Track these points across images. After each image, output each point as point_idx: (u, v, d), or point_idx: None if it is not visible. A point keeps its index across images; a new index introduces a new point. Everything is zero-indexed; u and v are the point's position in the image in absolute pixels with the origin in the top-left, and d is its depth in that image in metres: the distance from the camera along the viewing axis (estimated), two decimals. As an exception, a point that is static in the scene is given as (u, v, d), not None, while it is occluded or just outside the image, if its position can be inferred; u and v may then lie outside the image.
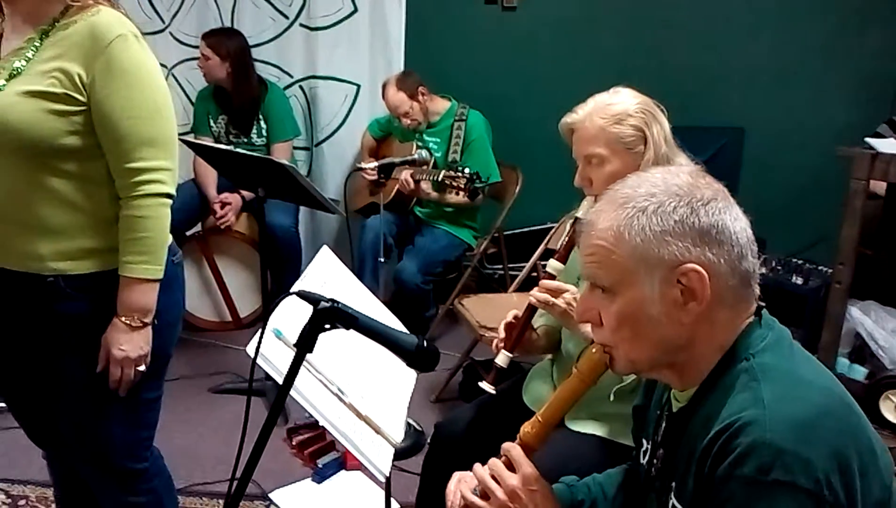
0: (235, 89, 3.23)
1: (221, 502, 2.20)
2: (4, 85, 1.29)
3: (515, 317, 1.63)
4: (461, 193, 2.70)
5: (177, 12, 3.54)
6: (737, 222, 0.93)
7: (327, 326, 1.02)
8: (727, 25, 3.66)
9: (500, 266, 3.61)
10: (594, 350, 1.09)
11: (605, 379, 1.53)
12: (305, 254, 3.43)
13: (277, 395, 1.04)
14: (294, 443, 2.42)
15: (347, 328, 1.02)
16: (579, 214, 1.65)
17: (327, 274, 1.46)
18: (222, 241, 3.34)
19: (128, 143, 1.33)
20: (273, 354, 1.15)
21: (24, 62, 1.30)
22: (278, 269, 3.19)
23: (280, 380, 1.06)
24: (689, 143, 3.07)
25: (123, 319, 1.37)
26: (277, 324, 1.20)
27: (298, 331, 1.02)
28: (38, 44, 1.31)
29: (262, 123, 3.33)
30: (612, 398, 1.52)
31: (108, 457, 1.49)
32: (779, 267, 2.84)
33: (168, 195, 1.39)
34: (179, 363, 2.92)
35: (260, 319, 3.40)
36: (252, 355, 1.11)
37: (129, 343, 1.37)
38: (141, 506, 1.56)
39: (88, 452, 1.49)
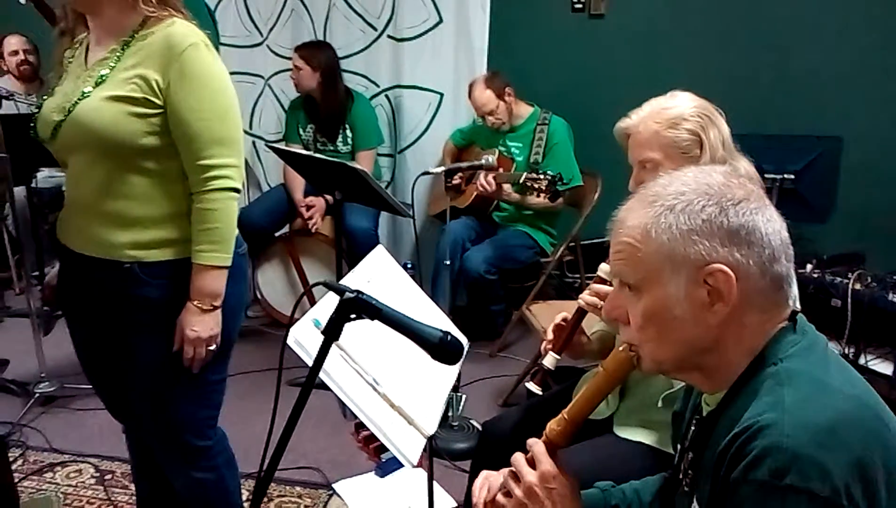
0: (324, 99, 3.38)
1: (289, 488, 2.31)
2: (91, 91, 1.43)
3: (564, 320, 1.63)
4: (542, 194, 2.70)
5: (273, 26, 3.74)
6: (770, 224, 0.91)
7: (353, 316, 1.07)
8: (820, 28, 3.47)
9: (580, 275, 3.59)
10: (621, 349, 1.08)
11: (655, 387, 1.53)
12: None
13: (306, 380, 1.09)
14: (360, 437, 2.50)
15: (372, 319, 1.07)
16: None
17: (375, 271, 1.52)
18: (307, 242, 3.49)
19: (199, 142, 1.44)
20: (311, 343, 1.21)
21: (107, 70, 1.44)
22: (341, 266, 3.29)
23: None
24: (781, 152, 2.97)
25: (196, 302, 1.49)
26: (318, 315, 1.26)
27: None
28: (119, 53, 1.45)
29: (347, 131, 3.47)
30: (660, 404, 1.49)
31: (175, 432, 1.61)
32: (874, 283, 2.67)
33: (235, 190, 1.50)
34: (262, 356, 3.08)
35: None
36: (292, 346, 1.18)
37: (201, 325, 1.50)
38: (204, 481, 1.68)
39: (159, 427, 1.62)
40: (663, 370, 1.00)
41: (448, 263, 2.71)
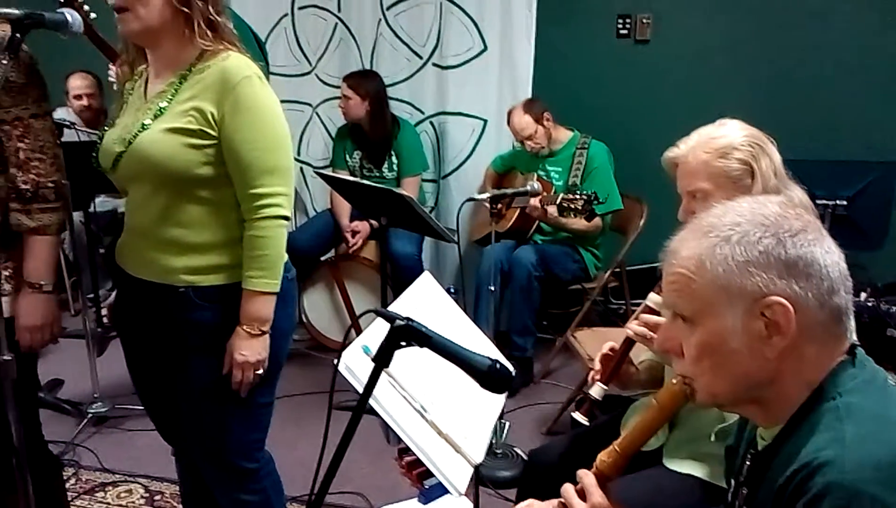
0: (372, 127, 3.43)
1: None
2: (150, 123, 1.48)
3: (612, 349, 1.61)
4: (579, 215, 2.69)
5: (322, 55, 3.83)
6: (828, 256, 0.90)
7: (403, 343, 1.07)
8: (871, 53, 3.41)
9: (625, 301, 3.55)
10: (674, 381, 1.07)
11: (707, 420, 1.50)
12: (429, 282, 3.55)
13: (356, 406, 1.10)
14: (403, 463, 2.49)
15: (421, 346, 1.07)
16: None
17: (423, 297, 1.53)
18: (352, 266, 3.53)
19: (251, 171, 1.48)
20: (360, 369, 1.22)
21: (165, 103, 1.49)
22: (400, 294, 3.32)
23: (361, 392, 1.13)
24: (833, 177, 2.90)
25: (245, 327, 1.52)
26: (368, 341, 1.28)
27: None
28: (177, 86, 1.49)
29: (393, 158, 3.52)
30: (713, 437, 1.46)
31: (224, 454, 1.64)
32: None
33: (285, 217, 1.53)
34: (308, 380, 3.12)
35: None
36: (343, 372, 1.19)
37: (250, 349, 1.52)
38: (251, 504, 1.70)
39: (207, 449, 1.65)
40: (718, 403, 0.99)
41: (493, 288, 2.71)
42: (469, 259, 3.77)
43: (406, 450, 2.53)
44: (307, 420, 2.87)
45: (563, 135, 3.27)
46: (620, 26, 3.68)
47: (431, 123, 3.77)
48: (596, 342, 2.60)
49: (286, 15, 3.80)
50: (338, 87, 3.75)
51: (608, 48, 3.72)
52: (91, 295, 3.41)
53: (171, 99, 1.49)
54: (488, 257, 3.13)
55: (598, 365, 1.62)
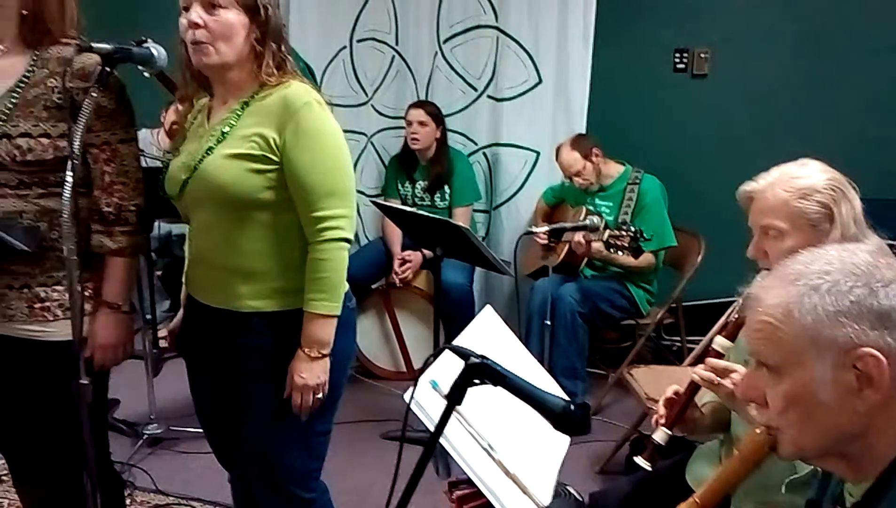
0: (437, 155, 3.48)
1: (382, 545, 2.29)
2: (214, 148, 1.51)
3: (676, 393, 1.57)
4: (626, 251, 2.65)
5: (378, 87, 3.89)
6: None
7: (476, 381, 1.07)
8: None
9: (679, 338, 3.48)
10: (758, 432, 1.04)
11: (776, 468, 1.44)
12: (477, 312, 3.53)
13: (427, 443, 1.10)
14: (454, 497, 2.45)
15: (495, 385, 1.06)
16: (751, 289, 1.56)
17: (487, 332, 1.52)
18: (403, 295, 3.54)
19: (313, 195, 1.50)
20: (428, 404, 1.22)
21: (228, 128, 1.52)
22: (451, 325, 3.31)
23: (431, 429, 1.12)
24: (891, 219, 2.79)
25: (305, 350, 1.53)
26: (434, 376, 1.27)
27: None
28: (239, 113, 1.53)
29: (446, 188, 3.54)
30: (783, 490, 1.41)
31: (281, 482, 1.64)
32: None
33: (346, 240, 1.54)
34: (356, 407, 3.12)
35: (433, 372, 3.54)
36: (413, 408, 1.19)
37: (309, 372, 1.53)
38: (306, 534, 1.69)
39: (265, 476, 1.65)
40: (804, 456, 0.96)
41: (548, 322, 2.68)
42: (516, 292, 3.76)
43: (456, 484, 2.52)
44: (356, 448, 2.86)
45: (614, 169, 3.24)
46: (678, 60, 3.66)
47: (484, 153, 3.79)
48: (652, 381, 2.55)
49: (344, 48, 3.88)
50: (393, 117, 3.82)
51: (664, 82, 3.70)
52: (148, 316, 3.48)
53: (233, 125, 1.53)
54: (538, 290, 3.11)
55: (661, 409, 1.58)
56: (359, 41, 3.88)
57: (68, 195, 1.28)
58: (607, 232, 2.42)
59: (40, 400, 1.56)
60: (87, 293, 1.57)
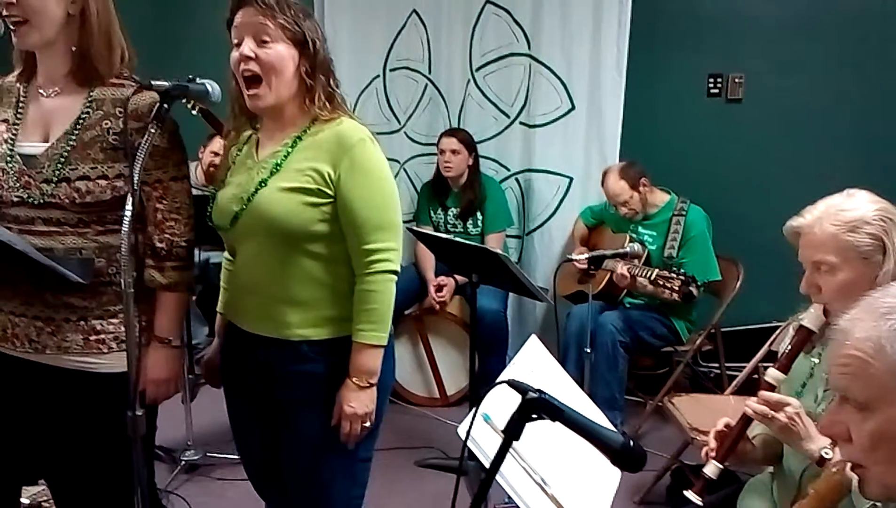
0: (469, 181, 3.50)
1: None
2: (268, 181, 1.54)
3: (728, 426, 1.55)
4: (674, 294, 2.62)
5: (411, 114, 3.94)
6: None
7: (534, 416, 1.06)
8: None
9: (716, 364, 3.43)
10: (835, 470, 1.01)
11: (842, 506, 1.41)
12: (511, 338, 3.53)
13: (484, 479, 1.09)
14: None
15: (553, 420, 1.05)
16: (805, 321, 1.54)
17: (535, 363, 1.51)
18: (436, 321, 3.54)
19: (365, 228, 1.53)
20: (481, 437, 1.21)
21: (281, 162, 1.55)
22: (485, 351, 3.30)
23: (486, 463, 1.12)
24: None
25: (354, 379, 1.55)
26: (487, 409, 1.26)
27: (506, 417, 1.08)
28: (290, 148, 1.56)
29: (478, 214, 3.55)
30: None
31: None
32: None
33: (394, 272, 1.57)
34: (389, 433, 3.08)
35: (466, 398, 3.52)
36: (463, 435, 1.18)
37: (358, 401, 1.55)
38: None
39: (308, 503, 1.65)
40: (892, 496, 0.93)
41: (588, 350, 2.65)
42: (553, 317, 3.74)
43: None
44: (391, 475, 2.84)
45: (659, 198, 3.21)
46: (711, 85, 3.64)
47: (517, 179, 3.80)
48: (694, 409, 2.51)
49: (378, 76, 3.94)
50: (426, 144, 3.86)
51: (699, 107, 3.68)
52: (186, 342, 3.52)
53: (284, 158, 1.55)
54: (576, 317, 3.08)
55: (712, 442, 1.56)
56: (392, 70, 3.94)
57: (126, 231, 1.30)
58: (655, 271, 2.40)
59: (91, 431, 1.57)
60: (138, 326, 1.59)
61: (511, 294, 3.60)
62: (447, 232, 3.58)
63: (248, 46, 1.50)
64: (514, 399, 1.08)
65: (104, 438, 1.55)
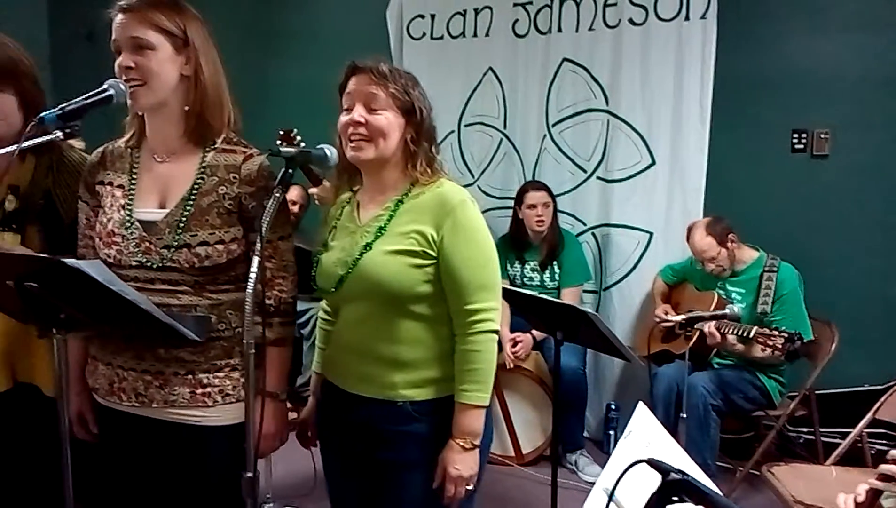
0: (548, 235, 3.50)
1: None
2: (373, 244, 1.56)
3: (858, 503, 1.46)
4: (775, 352, 2.53)
5: (485, 169, 3.98)
6: None
7: (675, 498, 1.01)
8: None
9: (806, 429, 3.27)
10: None
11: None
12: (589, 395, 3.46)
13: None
14: None
15: (697, 504, 1.01)
16: None
17: (649, 434, 1.46)
18: (511, 377, 3.48)
19: (468, 288, 1.54)
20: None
21: (385, 225, 1.58)
22: (563, 409, 3.23)
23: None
24: None
25: (459, 441, 1.54)
26: (607, 484, 1.22)
27: (630, 494, 1.03)
28: (393, 211, 1.59)
29: (555, 267, 3.52)
30: None
31: None
32: None
33: (496, 332, 1.57)
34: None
35: (542, 458, 3.44)
36: None
37: (463, 463, 1.54)
38: None
39: None
40: None
41: (684, 415, 2.57)
42: (630, 375, 3.65)
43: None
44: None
45: (748, 255, 3.13)
46: (796, 141, 3.57)
47: (593, 233, 3.77)
48: (795, 480, 2.38)
49: (452, 131, 4.00)
50: (500, 197, 3.88)
51: (783, 163, 3.59)
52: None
53: (388, 222, 1.58)
54: (663, 378, 3.00)
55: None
56: (466, 125, 4.01)
57: (251, 291, 1.33)
58: (754, 329, 2.32)
59: (195, 482, 1.59)
60: (243, 380, 1.62)
61: (588, 350, 3.54)
62: (523, 285, 3.56)
63: (359, 112, 1.55)
64: (639, 475, 1.04)
65: (206, 489, 1.57)
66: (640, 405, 1.60)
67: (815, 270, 3.23)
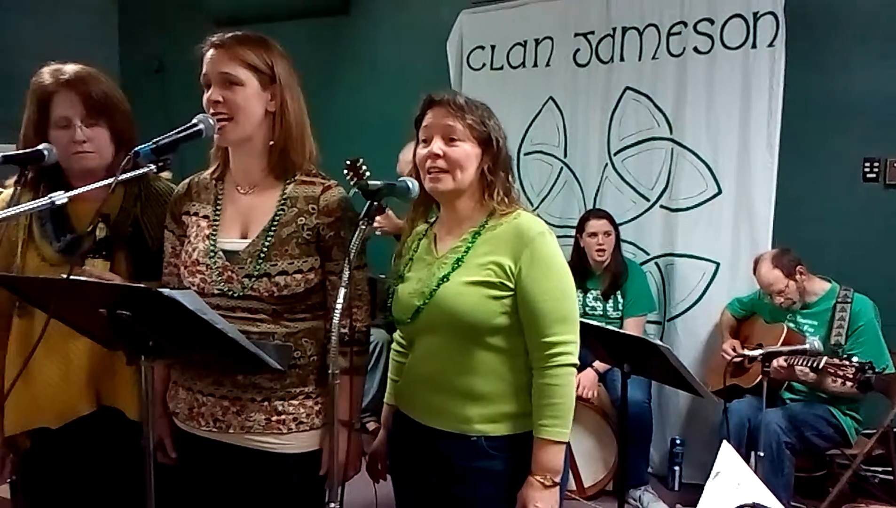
0: (611, 262, 3.45)
1: None
2: (450, 275, 1.56)
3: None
4: (848, 382, 2.43)
5: (545, 197, 3.97)
6: None
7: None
8: None
9: (881, 468, 3.12)
10: None
11: None
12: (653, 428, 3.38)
13: None
14: None
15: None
16: None
17: (737, 474, 1.41)
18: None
19: (545, 320, 1.52)
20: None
21: (462, 256, 1.58)
22: (627, 443, 3.16)
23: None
24: None
25: (538, 478, 1.50)
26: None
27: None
28: (470, 243, 1.59)
29: (619, 297, 3.47)
30: None
31: None
32: None
33: (575, 365, 1.54)
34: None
35: (604, 492, 3.36)
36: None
37: (543, 501, 1.50)
38: None
39: None
40: None
41: (762, 454, 2.48)
42: (696, 409, 3.55)
43: None
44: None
45: (819, 286, 3.05)
46: (867, 169, 3.46)
47: (657, 263, 3.71)
48: (881, 526, 2.28)
49: (511, 160, 3.99)
50: (560, 226, 3.84)
51: (854, 192, 3.49)
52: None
53: (465, 253, 1.58)
54: (734, 414, 2.91)
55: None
56: (526, 154, 4.01)
57: (336, 321, 1.35)
58: (825, 359, 2.25)
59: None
60: (317, 408, 1.64)
61: (653, 382, 3.46)
62: (586, 315, 3.51)
63: (438, 145, 1.57)
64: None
65: None
66: (725, 445, 1.55)
67: (891, 301, 3.11)
